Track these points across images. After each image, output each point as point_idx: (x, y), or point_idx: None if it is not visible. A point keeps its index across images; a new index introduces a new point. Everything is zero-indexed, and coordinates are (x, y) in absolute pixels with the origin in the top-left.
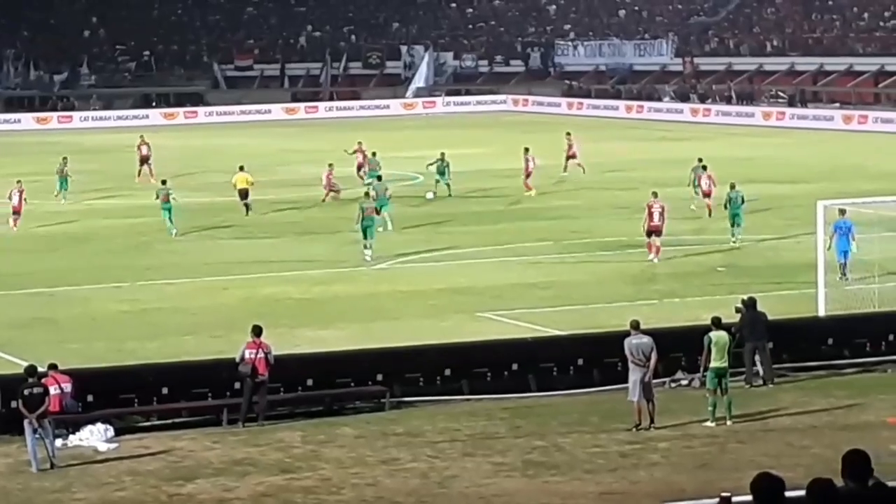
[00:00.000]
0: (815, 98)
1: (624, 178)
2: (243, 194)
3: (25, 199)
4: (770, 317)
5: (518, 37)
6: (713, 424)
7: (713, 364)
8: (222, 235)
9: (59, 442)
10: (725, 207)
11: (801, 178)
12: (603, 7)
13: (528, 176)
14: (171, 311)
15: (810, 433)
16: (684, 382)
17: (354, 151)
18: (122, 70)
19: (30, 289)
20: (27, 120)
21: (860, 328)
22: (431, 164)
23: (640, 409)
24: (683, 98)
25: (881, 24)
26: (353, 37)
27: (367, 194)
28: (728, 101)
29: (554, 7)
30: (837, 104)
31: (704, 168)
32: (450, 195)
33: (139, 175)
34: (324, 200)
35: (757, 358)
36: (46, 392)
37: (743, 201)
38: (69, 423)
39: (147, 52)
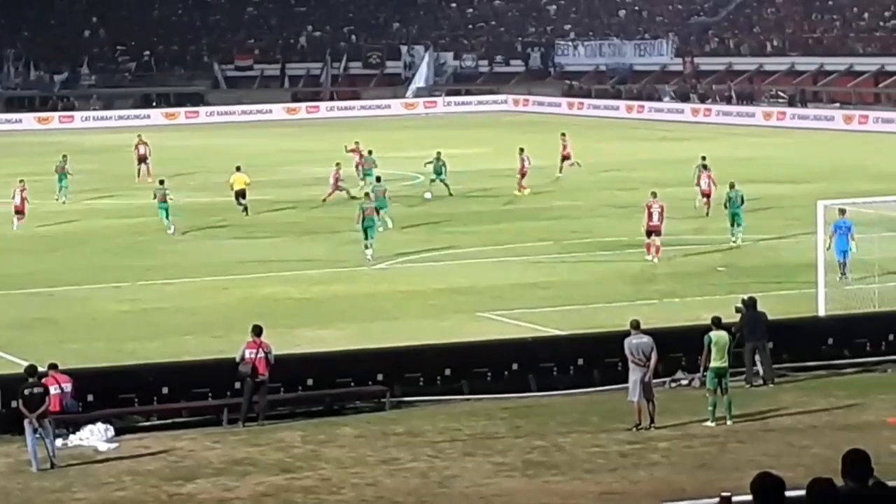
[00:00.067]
0: (816, 98)
1: (624, 178)
2: (241, 195)
3: (27, 199)
4: (770, 317)
5: (518, 37)
6: (713, 424)
7: (713, 364)
8: (222, 235)
9: (59, 442)
10: (725, 207)
11: (802, 178)
12: (603, 7)
13: (523, 176)
14: (171, 311)
15: (810, 433)
16: (684, 382)
17: (351, 150)
18: (122, 70)
19: (30, 289)
20: (28, 120)
21: (860, 328)
22: (428, 163)
23: (640, 409)
24: (684, 98)
25: (881, 24)
26: (353, 37)
27: (367, 195)
28: (728, 101)
29: (554, 7)
30: (838, 104)
31: (706, 167)
32: (450, 194)
33: (139, 175)
34: (324, 200)
35: (757, 358)
36: (46, 392)
37: (743, 201)
38: (69, 422)
39: (147, 52)
